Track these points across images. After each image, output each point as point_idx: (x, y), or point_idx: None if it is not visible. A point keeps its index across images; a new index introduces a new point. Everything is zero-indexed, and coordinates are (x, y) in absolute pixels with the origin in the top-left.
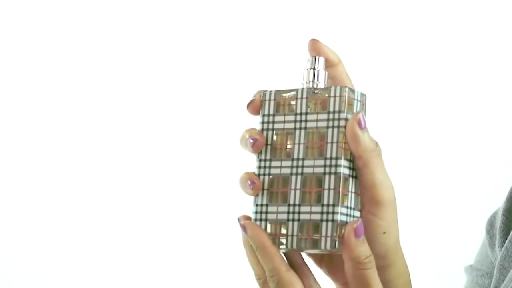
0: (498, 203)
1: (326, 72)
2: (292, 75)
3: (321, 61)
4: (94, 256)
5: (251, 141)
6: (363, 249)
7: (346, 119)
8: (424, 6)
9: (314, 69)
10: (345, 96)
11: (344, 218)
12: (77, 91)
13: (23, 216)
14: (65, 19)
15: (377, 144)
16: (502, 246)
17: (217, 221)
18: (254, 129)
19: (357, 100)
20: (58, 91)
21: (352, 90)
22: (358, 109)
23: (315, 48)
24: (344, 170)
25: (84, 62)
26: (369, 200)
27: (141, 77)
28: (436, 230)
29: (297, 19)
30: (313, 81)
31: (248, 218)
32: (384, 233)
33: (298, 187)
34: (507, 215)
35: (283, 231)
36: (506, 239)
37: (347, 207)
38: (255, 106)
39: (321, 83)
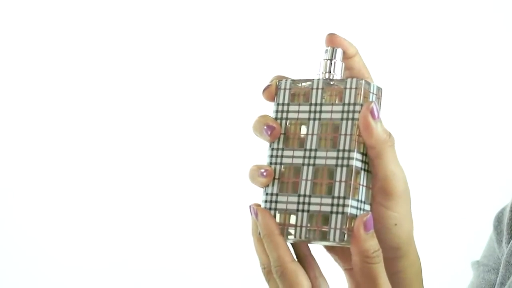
0: (505, 199)
1: (343, 63)
2: (301, 68)
3: (338, 52)
4: (94, 256)
5: (268, 130)
6: (372, 243)
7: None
8: (425, 7)
9: (331, 60)
10: (361, 88)
11: (354, 211)
12: (77, 91)
13: (23, 216)
14: (65, 19)
15: (390, 135)
16: (509, 243)
17: (217, 221)
18: (268, 116)
19: (373, 93)
20: (58, 91)
21: (368, 83)
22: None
23: (333, 41)
24: (356, 163)
25: (84, 62)
26: (381, 191)
27: (141, 77)
28: (443, 226)
29: (305, 13)
30: (330, 72)
31: (259, 206)
32: (396, 225)
33: (309, 177)
34: None
35: (292, 221)
36: None
37: (358, 200)
38: (271, 92)
39: (338, 75)
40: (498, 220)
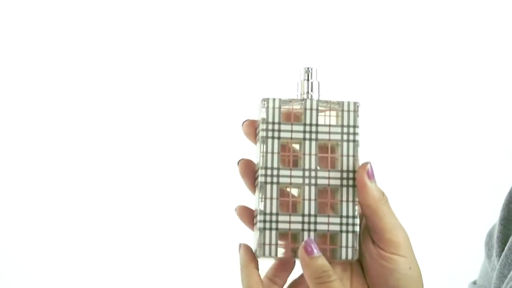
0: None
1: (319, 82)
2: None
3: (314, 71)
4: (94, 256)
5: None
6: (318, 264)
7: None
8: (424, 7)
9: (309, 80)
10: (359, 111)
11: (357, 228)
12: (77, 91)
13: (23, 216)
14: (65, 19)
15: (383, 194)
16: (500, 256)
17: (216, 221)
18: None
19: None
20: (58, 91)
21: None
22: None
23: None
24: None
25: (84, 62)
26: (388, 243)
27: (141, 77)
28: (443, 226)
29: (296, 23)
30: (308, 92)
31: (248, 248)
32: (410, 268)
33: (312, 197)
34: (504, 224)
35: (297, 240)
36: (505, 247)
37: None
38: (252, 125)
39: (316, 94)
40: (489, 236)
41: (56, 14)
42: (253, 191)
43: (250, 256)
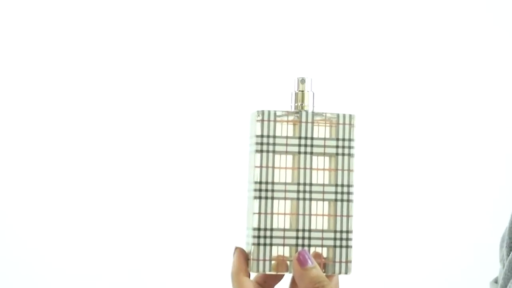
0: (506, 198)
1: (314, 93)
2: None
3: (309, 81)
4: (94, 256)
5: None
6: (312, 275)
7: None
8: (423, 8)
9: (303, 91)
10: (354, 124)
11: (352, 243)
12: (77, 91)
13: (23, 216)
14: (65, 19)
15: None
16: (509, 254)
17: (217, 221)
18: None
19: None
20: (58, 91)
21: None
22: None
23: None
24: (353, 197)
25: (84, 62)
26: None
27: (141, 77)
28: (444, 226)
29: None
30: (302, 103)
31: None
32: None
33: (307, 212)
34: None
35: (291, 254)
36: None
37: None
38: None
39: (310, 106)
40: (502, 238)
41: (56, 14)
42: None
43: (244, 265)
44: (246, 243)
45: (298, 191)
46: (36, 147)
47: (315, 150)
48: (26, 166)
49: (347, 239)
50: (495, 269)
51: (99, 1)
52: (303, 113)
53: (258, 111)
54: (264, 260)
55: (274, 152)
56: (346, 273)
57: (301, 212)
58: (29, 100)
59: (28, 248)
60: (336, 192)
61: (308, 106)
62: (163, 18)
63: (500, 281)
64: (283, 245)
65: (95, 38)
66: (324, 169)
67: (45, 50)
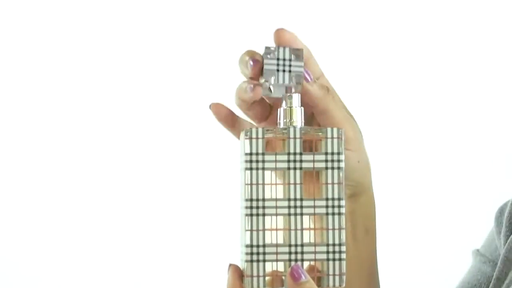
0: (505, 197)
1: (302, 108)
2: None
3: (295, 98)
4: (94, 256)
5: (251, 63)
6: None
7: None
8: (423, 8)
9: (291, 107)
10: (342, 138)
11: (344, 256)
12: (77, 91)
13: (23, 216)
14: (65, 19)
15: (327, 89)
16: (507, 236)
17: (216, 221)
18: (254, 51)
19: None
20: (58, 91)
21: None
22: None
23: (281, 38)
24: (344, 210)
25: (84, 62)
26: None
27: (141, 78)
28: (443, 224)
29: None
30: (290, 119)
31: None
32: (359, 161)
33: (298, 227)
34: None
35: (285, 270)
36: None
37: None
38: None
39: (299, 121)
40: (500, 211)
41: (56, 14)
42: (234, 132)
43: (238, 281)
44: (240, 259)
45: (289, 207)
46: (36, 147)
47: (304, 165)
48: (26, 166)
49: (340, 252)
50: None
51: (99, 1)
52: (291, 129)
53: (245, 130)
54: (258, 276)
55: (263, 169)
56: (340, 285)
57: (292, 227)
58: (29, 100)
59: (28, 248)
60: (327, 206)
61: (297, 121)
62: (163, 18)
63: (499, 264)
64: (277, 260)
65: (95, 38)
66: (314, 185)
67: (45, 50)
